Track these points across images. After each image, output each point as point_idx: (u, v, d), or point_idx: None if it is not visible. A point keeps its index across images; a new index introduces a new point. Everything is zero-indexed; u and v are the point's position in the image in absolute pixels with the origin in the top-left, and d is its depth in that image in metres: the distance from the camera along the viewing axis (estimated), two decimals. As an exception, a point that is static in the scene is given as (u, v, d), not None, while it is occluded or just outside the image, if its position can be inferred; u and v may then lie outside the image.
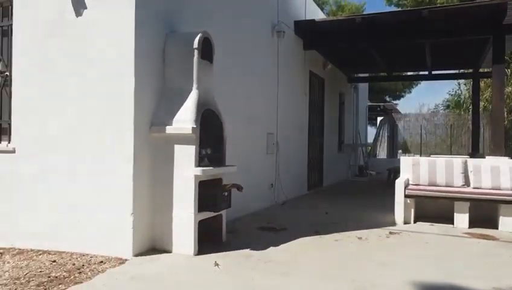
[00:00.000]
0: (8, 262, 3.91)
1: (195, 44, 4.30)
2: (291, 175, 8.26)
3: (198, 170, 4.04)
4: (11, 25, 4.68)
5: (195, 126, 4.05)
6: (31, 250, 4.34)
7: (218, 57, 4.77)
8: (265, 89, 7.13)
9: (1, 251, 4.35)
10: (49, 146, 4.40)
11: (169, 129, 4.13)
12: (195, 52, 4.30)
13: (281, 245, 4.46)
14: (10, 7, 4.71)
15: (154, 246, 4.19)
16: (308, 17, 8.96)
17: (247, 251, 4.21)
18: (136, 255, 3.96)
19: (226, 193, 4.42)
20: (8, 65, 4.76)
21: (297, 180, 8.72)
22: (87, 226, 4.16)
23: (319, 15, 10.03)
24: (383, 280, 3.44)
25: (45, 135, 4.43)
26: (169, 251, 4.10)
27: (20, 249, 4.39)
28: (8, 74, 4.78)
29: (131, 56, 3.99)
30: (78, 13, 4.24)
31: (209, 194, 4.22)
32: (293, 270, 3.66)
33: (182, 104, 4.21)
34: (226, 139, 4.66)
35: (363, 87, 16.30)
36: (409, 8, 17.45)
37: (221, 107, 4.67)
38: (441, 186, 5.98)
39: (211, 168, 4.22)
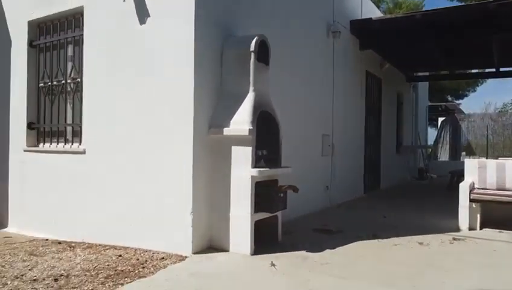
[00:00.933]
0: (79, 255, 4.21)
1: (252, 47, 4.37)
2: (347, 177, 8.11)
3: (255, 171, 4.11)
4: (82, 34, 5.04)
5: (251, 128, 4.12)
6: (99, 244, 4.63)
7: (274, 58, 4.82)
8: (320, 90, 7.08)
9: (73, 244, 4.69)
10: (115, 147, 4.68)
11: (226, 131, 4.23)
12: (252, 55, 4.38)
13: (338, 248, 4.41)
14: (81, 18, 5.08)
15: (212, 244, 4.31)
16: (365, 16, 8.77)
17: (303, 252, 4.20)
18: (195, 252, 4.10)
19: (281, 194, 4.44)
20: (80, 72, 5.13)
21: (353, 182, 8.55)
22: (150, 224, 4.37)
23: (375, 13, 9.77)
24: (445, 288, 3.29)
25: (111, 137, 4.72)
26: (226, 250, 4.20)
27: (89, 244, 4.70)
28: (79, 80, 5.15)
29: (190, 61, 4.15)
30: (142, 21, 4.48)
31: (265, 195, 4.27)
32: (351, 274, 3.61)
33: (238, 106, 4.30)
34: (282, 140, 4.69)
35: (423, 86, 15.62)
36: (473, 3, 16.48)
37: (276, 108, 4.71)
38: (511, 190, 5.59)
39: (267, 169, 4.26)
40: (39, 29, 5.64)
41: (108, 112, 4.76)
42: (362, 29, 8.36)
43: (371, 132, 9.66)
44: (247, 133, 4.10)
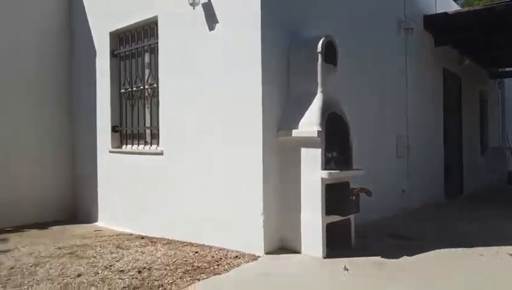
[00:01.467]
0: (160, 250, 4.47)
1: (319, 48, 4.34)
2: (425, 181, 7.69)
3: (325, 173, 4.07)
4: (157, 42, 5.36)
5: (320, 129, 4.09)
6: (177, 241, 4.87)
7: (342, 58, 4.73)
8: (393, 90, 6.80)
9: (154, 240, 4.99)
10: (189, 148, 4.91)
11: (295, 133, 4.24)
12: (319, 56, 4.35)
13: (415, 255, 4.19)
14: (156, 28, 5.39)
15: (284, 245, 4.34)
16: (439, 10, 8.26)
17: (378, 258, 4.07)
18: (267, 253, 4.16)
19: (354, 197, 4.35)
20: (155, 78, 5.46)
21: (432, 186, 8.08)
22: (224, 223, 4.51)
23: (451, 7, 9.16)
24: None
25: (185, 139, 4.96)
26: (298, 252, 4.20)
27: (168, 240, 4.97)
28: (155, 85, 5.47)
29: (258, 63, 4.22)
30: (211, 28, 4.65)
31: (336, 198, 4.21)
32: (429, 284, 3.42)
33: (307, 108, 4.29)
34: (353, 142, 4.59)
35: (511, 82, 14.31)
36: None
37: (346, 109, 4.62)
38: None
39: (337, 171, 4.20)
40: (119, 39, 6.09)
41: (181, 114, 5.01)
42: (437, 24, 7.88)
43: (450, 132, 9.07)
44: (315, 135, 4.07)
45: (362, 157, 5.07)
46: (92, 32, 6.39)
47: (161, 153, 5.26)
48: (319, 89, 4.31)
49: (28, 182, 6.26)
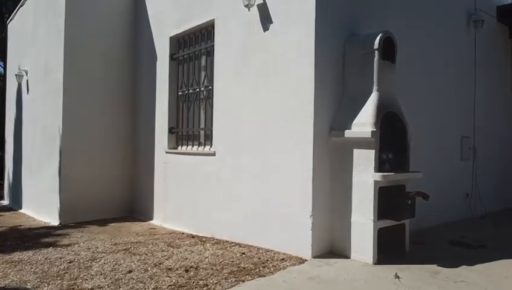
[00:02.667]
0: (208, 250, 4.53)
1: (376, 45, 4.15)
2: (494, 185, 7.09)
3: (379, 176, 3.88)
4: (213, 45, 5.44)
5: (374, 129, 3.91)
6: (226, 241, 4.92)
7: (401, 55, 4.49)
8: (458, 88, 6.35)
9: (204, 239, 5.08)
10: (241, 150, 4.93)
11: (348, 133, 4.09)
12: (376, 53, 4.16)
13: (477, 265, 3.87)
14: (212, 30, 5.48)
15: (332, 249, 4.21)
16: (516, 0, 7.58)
17: (434, 266, 3.80)
18: (315, 256, 4.05)
19: (409, 201, 4.10)
20: (211, 80, 5.55)
21: (501, 191, 7.43)
22: (272, 225, 4.48)
23: (531, -5, 8.36)
24: None
25: (237, 140, 4.98)
26: (347, 257, 4.05)
27: (217, 239, 5.04)
28: (210, 87, 5.57)
29: (311, 62, 4.13)
30: (265, 28, 4.63)
31: (390, 202, 4.00)
32: (492, 297, 3.13)
33: (361, 108, 4.12)
34: (410, 142, 4.34)
35: None
36: None
37: (404, 108, 4.38)
38: None
39: (393, 173, 3.99)
40: (178, 43, 6.27)
41: (234, 115, 5.04)
42: (513, 14, 7.24)
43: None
44: (369, 135, 3.90)
45: (422, 158, 4.79)
46: (154, 37, 6.66)
47: (213, 154, 5.34)
48: (375, 88, 4.13)
49: (92, 180, 6.67)
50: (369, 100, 4.11)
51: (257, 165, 4.70)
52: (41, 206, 7.07)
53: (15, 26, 9.16)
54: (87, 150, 6.65)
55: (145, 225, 6.27)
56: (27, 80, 8.20)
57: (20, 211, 7.97)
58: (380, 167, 3.96)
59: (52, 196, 6.59)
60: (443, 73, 5.98)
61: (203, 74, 5.80)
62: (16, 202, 8.45)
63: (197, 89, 5.89)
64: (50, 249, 4.73)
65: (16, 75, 8.52)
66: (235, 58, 5.05)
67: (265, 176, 4.60)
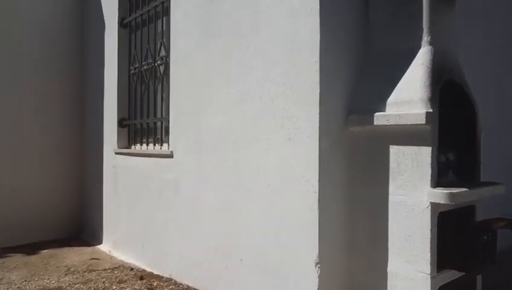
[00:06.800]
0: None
1: (425, -31, 2.40)
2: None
3: (440, 194, 2.12)
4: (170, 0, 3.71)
5: (430, 110, 2.17)
6: (188, 287, 3.24)
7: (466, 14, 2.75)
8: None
9: (155, 283, 3.40)
10: (207, 149, 3.20)
11: (379, 118, 2.35)
12: (425, -17, 2.41)
13: None
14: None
15: (354, 319, 2.47)
16: None
17: None
18: (325, 336, 2.32)
19: (488, 236, 2.36)
20: (168, 49, 3.82)
21: None
22: (257, 267, 2.75)
23: None
24: None
25: (202, 135, 3.26)
26: (381, 336, 2.31)
27: (176, 282, 3.38)
28: (168, 60, 3.83)
29: (315, 5, 2.40)
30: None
31: (455, 238, 2.26)
32: None
33: (402, 74, 2.38)
34: (481, 134, 2.59)
35: None
36: None
37: (467, 78, 2.63)
38: None
39: (465, 190, 2.22)
40: (129, 4, 4.55)
41: (197, 97, 3.32)
42: None
43: None
44: (422, 120, 2.15)
45: (496, 161, 3.05)
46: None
47: (170, 155, 3.62)
48: (426, 39, 2.37)
49: (25, 192, 4.94)
50: (415, 61, 2.36)
51: (229, 173, 2.98)
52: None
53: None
54: (18, 154, 4.93)
55: (88, 252, 4.56)
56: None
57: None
58: (440, 176, 2.21)
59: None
60: None
61: (159, 42, 4.07)
62: None
63: (152, 64, 4.16)
64: None
65: None
66: (198, 14, 3.31)
67: (241, 191, 2.87)
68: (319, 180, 2.36)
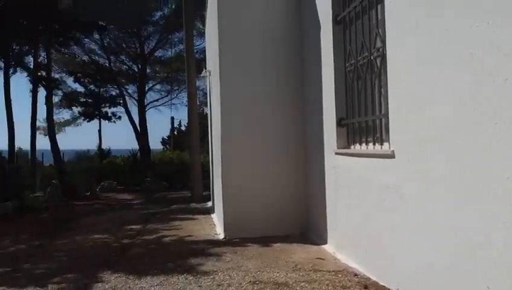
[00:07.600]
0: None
1: None
2: None
3: None
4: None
5: None
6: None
7: None
8: None
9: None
10: (439, 149, 2.72)
11: None
12: None
13: None
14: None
15: None
16: None
17: None
18: None
19: None
20: (384, 40, 3.47)
21: None
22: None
23: None
24: None
25: (433, 131, 2.79)
26: None
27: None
28: (385, 51, 3.49)
29: None
30: None
31: None
32: None
33: None
34: None
35: None
36: None
37: None
38: None
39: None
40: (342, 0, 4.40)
41: (420, 88, 2.86)
42: None
43: None
44: None
45: None
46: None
47: (391, 155, 3.27)
48: None
49: (260, 190, 5.45)
50: None
51: (463, 174, 2.43)
52: (219, 215, 6.35)
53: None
54: (252, 154, 5.51)
55: (314, 251, 4.66)
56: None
57: (213, 215, 7.58)
58: None
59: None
60: None
61: (374, 33, 3.76)
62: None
63: (368, 57, 3.88)
64: (182, 277, 3.87)
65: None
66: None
67: (476, 195, 2.29)
68: None
